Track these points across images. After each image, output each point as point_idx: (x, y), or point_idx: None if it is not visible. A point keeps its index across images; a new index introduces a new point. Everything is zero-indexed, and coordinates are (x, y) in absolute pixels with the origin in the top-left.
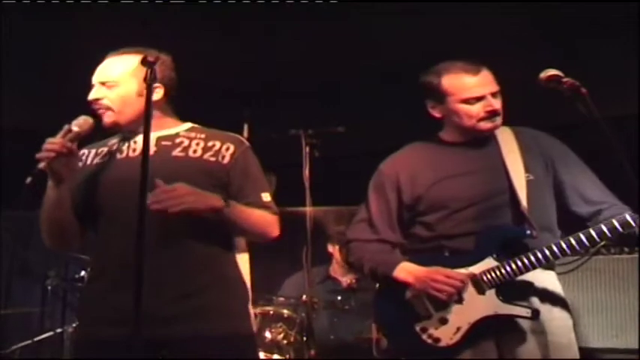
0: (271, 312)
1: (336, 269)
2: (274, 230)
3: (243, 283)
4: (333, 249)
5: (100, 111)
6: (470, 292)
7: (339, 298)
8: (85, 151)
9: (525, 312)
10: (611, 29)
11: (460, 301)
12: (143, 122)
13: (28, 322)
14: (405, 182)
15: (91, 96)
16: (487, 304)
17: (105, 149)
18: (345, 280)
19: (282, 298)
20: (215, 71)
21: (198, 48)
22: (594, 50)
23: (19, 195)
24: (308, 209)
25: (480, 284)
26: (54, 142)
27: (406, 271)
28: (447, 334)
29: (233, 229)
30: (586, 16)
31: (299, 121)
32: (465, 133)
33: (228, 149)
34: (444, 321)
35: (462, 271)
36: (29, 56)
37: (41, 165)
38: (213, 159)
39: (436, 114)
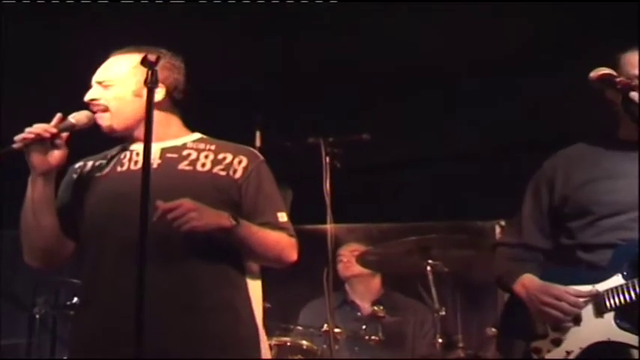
0: (288, 343)
1: (356, 292)
2: (291, 255)
3: (253, 313)
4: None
5: (97, 113)
6: (589, 312)
7: (364, 327)
8: (81, 163)
9: None
10: None
11: (577, 322)
12: (144, 129)
13: (13, 355)
14: (559, 180)
15: (87, 96)
16: (602, 328)
17: (103, 161)
18: (367, 306)
19: (300, 328)
20: (222, 72)
21: (203, 48)
22: None
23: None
24: (329, 227)
25: (600, 305)
26: (38, 126)
27: (523, 285)
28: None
29: (245, 252)
30: None
31: (318, 127)
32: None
33: (240, 162)
34: (557, 342)
35: (588, 288)
36: (25, 65)
37: (15, 145)
38: (223, 173)
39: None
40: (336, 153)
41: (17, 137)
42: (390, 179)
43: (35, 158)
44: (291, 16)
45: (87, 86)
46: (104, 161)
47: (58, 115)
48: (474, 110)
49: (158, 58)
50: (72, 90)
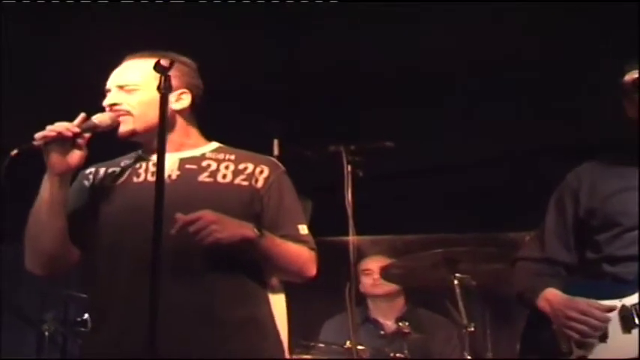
0: None
1: (378, 309)
2: (311, 269)
3: (277, 328)
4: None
5: (118, 118)
6: (616, 328)
7: (389, 345)
8: (92, 169)
9: None
10: None
11: (604, 338)
12: (157, 138)
13: None
14: (585, 193)
15: (108, 101)
16: (630, 345)
17: (117, 169)
18: (390, 324)
19: (321, 345)
20: (238, 78)
21: (216, 51)
22: None
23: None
24: (351, 239)
25: (628, 321)
26: (60, 124)
27: (547, 300)
28: None
29: (266, 265)
30: None
31: (339, 135)
32: None
33: (262, 172)
34: None
35: (615, 303)
36: (25, 69)
37: (36, 142)
38: (245, 183)
39: None
40: (357, 161)
41: (38, 135)
42: (415, 188)
43: (54, 158)
44: (311, 20)
45: (87, 86)
46: (118, 169)
47: (82, 115)
48: (503, 115)
49: (172, 63)
50: (72, 90)
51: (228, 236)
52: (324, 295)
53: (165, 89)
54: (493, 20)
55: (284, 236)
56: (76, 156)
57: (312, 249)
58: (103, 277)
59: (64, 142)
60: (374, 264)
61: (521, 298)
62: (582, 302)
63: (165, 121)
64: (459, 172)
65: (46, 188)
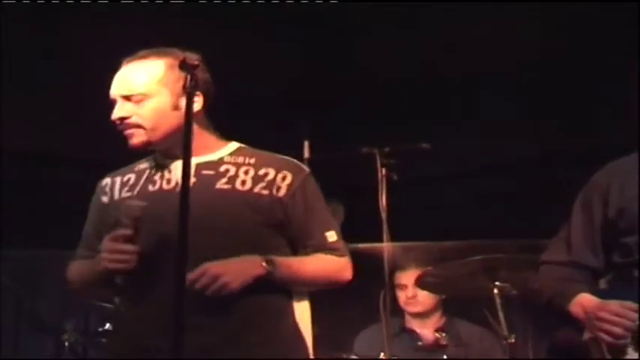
0: None
1: (414, 320)
2: (345, 275)
3: (303, 339)
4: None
5: (128, 132)
6: None
7: (427, 357)
8: (107, 180)
9: None
10: None
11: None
12: (182, 143)
13: None
14: (614, 193)
15: (116, 114)
16: None
17: (132, 177)
18: (428, 334)
19: (354, 357)
20: (268, 77)
21: (245, 50)
22: None
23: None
24: (385, 246)
25: None
26: (122, 251)
27: (580, 305)
28: None
29: (291, 286)
30: None
31: (372, 136)
32: None
33: (284, 179)
34: None
35: None
36: (27, 71)
37: (118, 279)
38: (265, 192)
39: None
40: (392, 164)
41: (112, 268)
42: (452, 192)
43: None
44: (344, 20)
45: (87, 86)
46: (132, 176)
47: (121, 232)
48: (545, 115)
49: (199, 62)
50: (72, 90)
51: (240, 284)
52: (358, 304)
53: (191, 89)
54: (525, 20)
55: (312, 246)
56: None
57: (343, 255)
58: (122, 288)
59: None
60: (408, 278)
61: (551, 304)
62: (615, 304)
63: (191, 124)
64: (497, 175)
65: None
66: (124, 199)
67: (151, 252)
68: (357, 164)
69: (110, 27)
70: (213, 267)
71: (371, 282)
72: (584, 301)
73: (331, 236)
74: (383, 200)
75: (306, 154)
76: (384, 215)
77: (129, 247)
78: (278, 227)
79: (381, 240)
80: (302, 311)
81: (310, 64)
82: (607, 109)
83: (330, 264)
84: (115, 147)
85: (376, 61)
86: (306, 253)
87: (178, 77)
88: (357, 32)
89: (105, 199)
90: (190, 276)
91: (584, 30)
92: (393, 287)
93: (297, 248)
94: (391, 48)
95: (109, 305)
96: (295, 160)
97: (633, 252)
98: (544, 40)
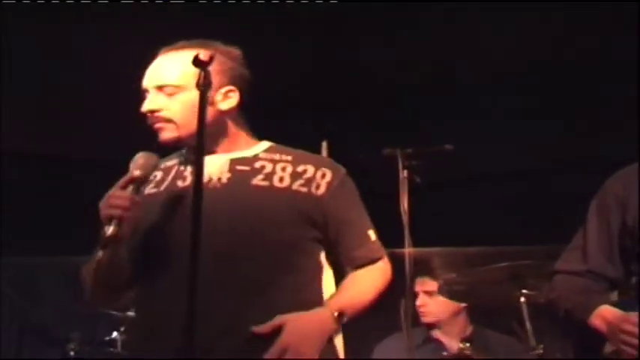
0: None
1: (441, 328)
2: (387, 281)
3: (335, 346)
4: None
5: (159, 125)
6: None
7: None
8: None
9: None
10: None
11: None
12: (196, 140)
13: None
14: (632, 199)
15: (146, 107)
16: None
17: (158, 174)
18: (454, 344)
19: None
20: (285, 75)
21: (262, 47)
22: None
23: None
24: (407, 251)
25: None
26: (120, 197)
27: (602, 317)
28: None
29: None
30: None
31: (394, 137)
32: None
33: (324, 176)
34: None
35: None
36: (27, 67)
37: (111, 231)
38: (304, 189)
39: None
40: (414, 166)
41: (107, 215)
42: (477, 196)
43: (125, 233)
44: (364, 18)
45: (87, 86)
46: (159, 173)
47: (128, 177)
48: (574, 117)
49: (211, 58)
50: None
51: (320, 348)
52: (377, 312)
53: (204, 86)
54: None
55: (360, 258)
56: (138, 215)
57: (383, 257)
58: (147, 293)
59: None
60: (419, 286)
61: (570, 316)
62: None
63: (204, 122)
64: (525, 179)
65: (110, 253)
66: (149, 195)
67: (180, 250)
68: (378, 166)
69: (124, 27)
70: (291, 341)
71: (392, 289)
72: (606, 313)
73: (372, 235)
74: (404, 204)
75: (325, 154)
76: (405, 219)
77: (124, 192)
78: (314, 227)
79: (402, 245)
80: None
81: (325, 64)
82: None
83: (379, 278)
84: (123, 147)
85: (393, 63)
86: (356, 267)
87: (214, 71)
88: (373, 33)
89: None
90: (270, 355)
91: (601, 33)
92: (414, 295)
93: (338, 254)
94: (409, 49)
95: (117, 313)
96: (331, 160)
97: None
98: (562, 41)
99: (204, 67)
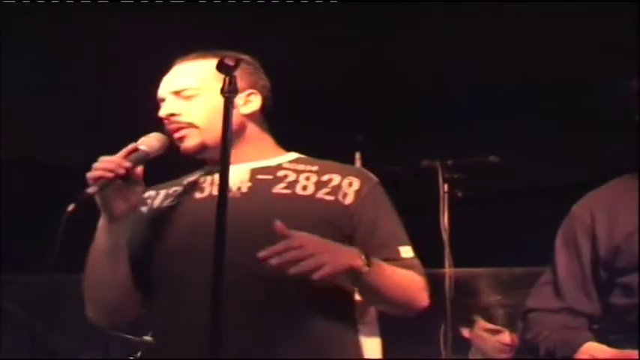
0: None
1: (485, 355)
2: (423, 298)
3: None
4: (470, 333)
5: (180, 133)
6: None
7: None
8: (152, 192)
9: None
10: None
11: None
12: (221, 147)
13: None
14: (602, 228)
15: (164, 111)
16: None
17: (179, 188)
18: None
19: None
20: (315, 83)
21: (291, 52)
22: None
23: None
24: (447, 271)
25: None
26: (109, 160)
27: (590, 354)
28: None
29: (370, 298)
30: None
31: (433, 148)
32: None
33: (351, 185)
34: None
35: None
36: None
37: (91, 189)
38: (330, 198)
39: None
40: (456, 179)
41: (90, 176)
42: (524, 211)
43: (112, 202)
44: (403, 23)
45: (88, 84)
46: (179, 188)
47: (131, 146)
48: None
49: (237, 62)
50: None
51: (334, 270)
52: (414, 337)
53: (230, 92)
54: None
55: (384, 259)
56: (136, 194)
57: (421, 274)
58: (164, 312)
59: (116, 181)
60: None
61: (551, 355)
62: (630, 352)
63: (229, 130)
64: (573, 194)
65: (105, 236)
66: (167, 207)
67: (197, 264)
68: (416, 179)
69: (151, 31)
70: (313, 240)
71: (429, 313)
72: (594, 350)
73: (406, 252)
74: (445, 220)
75: (358, 166)
76: (445, 237)
77: (115, 157)
78: (343, 238)
79: (442, 265)
80: (372, 349)
81: (363, 67)
82: None
83: (414, 281)
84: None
85: (438, 64)
86: None
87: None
88: (412, 39)
89: (144, 209)
90: (278, 246)
91: None
92: (456, 319)
93: None
94: (451, 54)
95: (131, 337)
96: (363, 169)
97: (636, 293)
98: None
99: (231, 72)
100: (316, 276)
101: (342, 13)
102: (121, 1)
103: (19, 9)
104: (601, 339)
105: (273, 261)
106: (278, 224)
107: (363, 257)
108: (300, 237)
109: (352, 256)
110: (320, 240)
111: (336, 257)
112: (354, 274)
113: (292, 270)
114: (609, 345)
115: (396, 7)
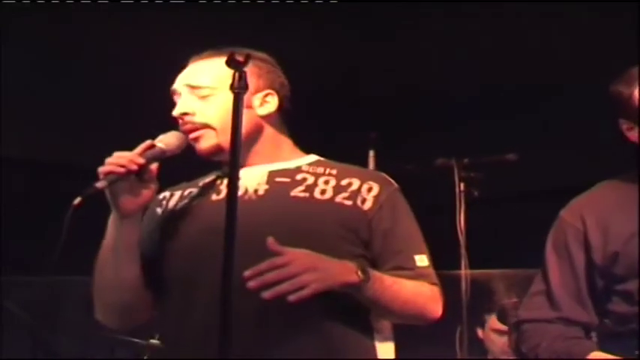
0: None
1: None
2: (435, 310)
3: None
4: (482, 334)
5: (195, 134)
6: None
7: None
8: (166, 193)
9: None
10: None
11: None
12: (230, 145)
13: None
14: (595, 233)
15: (179, 109)
16: None
17: (194, 190)
18: None
19: None
20: (328, 80)
21: (303, 49)
22: None
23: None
24: (463, 273)
25: None
26: (122, 156)
27: None
28: None
29: (375, 310)
30: None
31: (448, 146)
32: None
33: (370, 190)
34: None
35: None
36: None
37: (100, 183)
38: (349, 202)
39: (633, 137)
40: (472, 178)
41: (101, 170)
42: (542, 211)
43: (123, 198)
44: (415, 22)
45: (88, 84)
46: (195, 189)
47: (147, 142)
48: None
49: (247, 58)
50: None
51: (325, 287)
52: (429, 340)
53: (239, 88)
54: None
55: (396, 268)
56: (146, 192)
57: (433, 284)
58: (173, 314)
59: (129, 177)
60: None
61: None
62: None
63: (239, 128)
64: None
65: (116, 234)
66: (181, 209)
67: (211, 267)
68: (431, 178)
69: (151, 31)
70: (302, 256)
71: (445, 315)
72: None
73: (421, 260)
74: (461, 220)
75: (371, 165)
76: (461, 237)
77: (129, 153)
78: (362, 245)
79: (458, 266)
80: (386, 354)
81: (377, 65)
82: None
83: (421, 292)
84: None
85: (453, 61)
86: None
87: (250, 74)
88: (425, 39)
89: (159, 210)
90: (262, 265)
91: None
92: (472, 321)
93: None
94: (464, 52)
95: (137, 340)
96: (383, 174)
97: (636, 298)
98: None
99: (240, 68)
100: (292, 298)
101: (342, 13)
102: (121, 1)
103: (19, 9)
104: (601, 347)
105: (252, 284)
106: (270, 241)
107: (359, 272)
108: (289, 254)
109: (345, 272)
110: (311, 257)
111: (326, 275)
112: (351, 289)
113: (266, 294)
114: (610, 353)
115: (396, 7)
